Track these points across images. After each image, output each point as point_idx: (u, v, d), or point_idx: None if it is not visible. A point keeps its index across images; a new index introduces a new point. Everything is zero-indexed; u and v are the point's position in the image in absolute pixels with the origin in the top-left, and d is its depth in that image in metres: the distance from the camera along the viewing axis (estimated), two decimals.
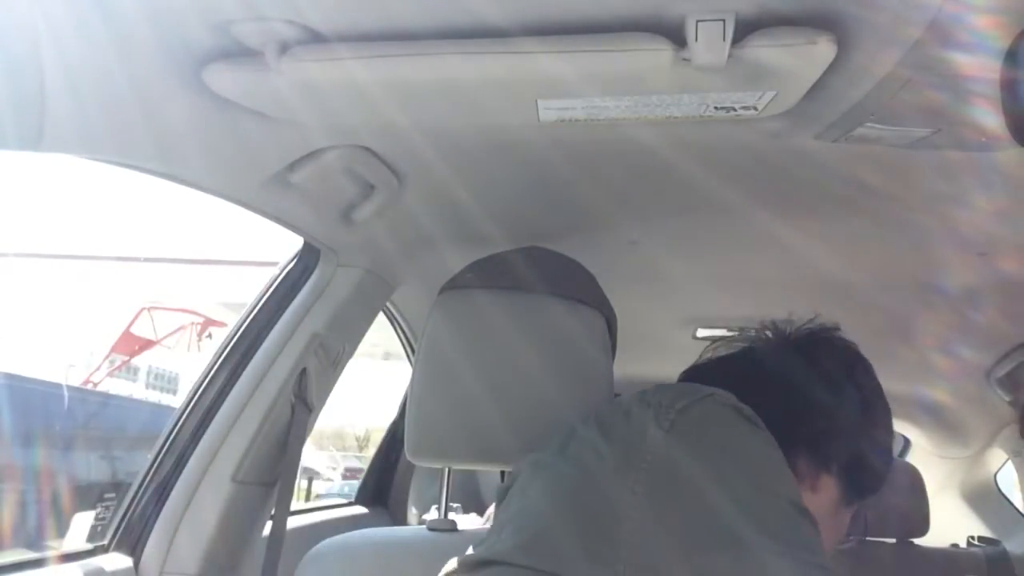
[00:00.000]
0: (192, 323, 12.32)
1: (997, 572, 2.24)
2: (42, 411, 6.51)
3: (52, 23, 0.76)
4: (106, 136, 0.91)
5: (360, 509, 2.26)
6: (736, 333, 0.96)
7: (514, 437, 0.84)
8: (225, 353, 1.44)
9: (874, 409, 0.89)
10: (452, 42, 0.83)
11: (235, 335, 1.45)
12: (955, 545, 2.50)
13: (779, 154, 1.15)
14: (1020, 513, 2.90)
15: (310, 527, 1.86)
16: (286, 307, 1.45)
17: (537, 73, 0.85)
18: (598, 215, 1.49)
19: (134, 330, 11.96)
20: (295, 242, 1.46)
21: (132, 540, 1.33)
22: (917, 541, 2.15)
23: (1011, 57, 0.77)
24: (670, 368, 1.00)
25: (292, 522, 1.48)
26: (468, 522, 2.13)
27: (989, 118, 0.87)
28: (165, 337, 12.17)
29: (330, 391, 1.57)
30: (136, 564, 1.32)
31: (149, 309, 12.07)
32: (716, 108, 0.92)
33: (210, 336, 11.88)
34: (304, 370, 1.44)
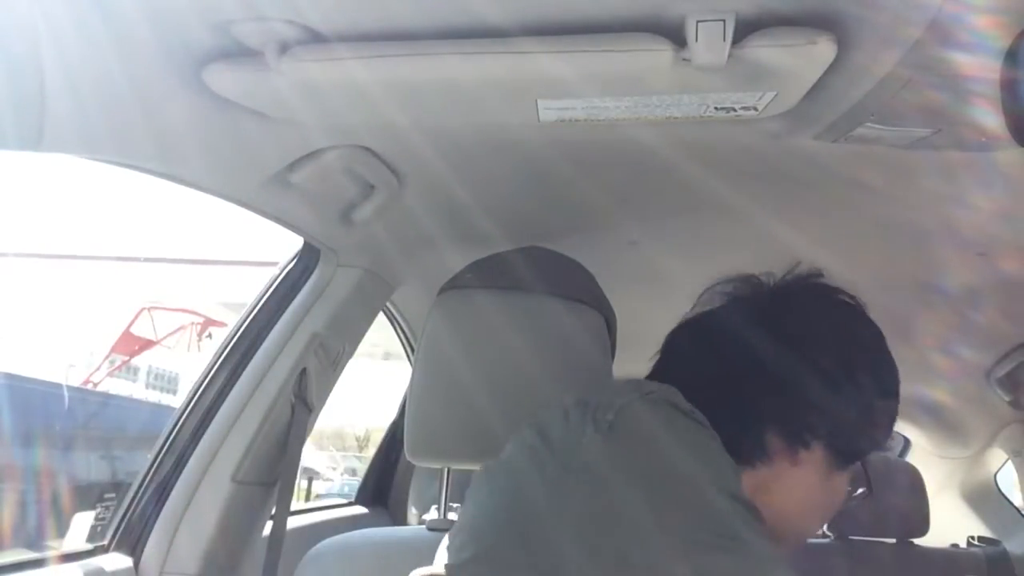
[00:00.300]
0: (192, 323, 12.30)
1: (997, 572, 2.24)
2: (42, 411, 6.50)
3: (52, 23, 0.76)
4: (106, 136, 0.91)
5: (360, 509, 2.26)
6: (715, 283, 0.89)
7: None
8: (225, 353, 1.44)
9: (854, 365, 0.78)
10: (452, 42, 0.83)
11: (235, 335, 1.45)
12: (955, 545, 2.50)
13: (779, 154, 1.15)
14: (1020, 513, 2.90)
15: (310, 527, 1.86)
16: (286, 307, 1.45)
17: (537, 73, 0.85)
18: (598, 215, 1.49)
19: (134, 330, 11.94)
20: (295, 242, 1.46)
21: (132, 540, 1.34)
22: (917, 541, 2.15)
23: (1011, 57, 0.77)
24: None
25: (292, 522, 1.48)
26: None
27: (989, 118, 0.87)
28: (165, 337, 12.15)
29: (330, 391, 1.57)
30: (136, 564, 1.32)
31: (149, 309, 12.05)
32: (716, 108, 0.92)
33: (210, 336, 11.85)
34: (304, 370, 1.44)
